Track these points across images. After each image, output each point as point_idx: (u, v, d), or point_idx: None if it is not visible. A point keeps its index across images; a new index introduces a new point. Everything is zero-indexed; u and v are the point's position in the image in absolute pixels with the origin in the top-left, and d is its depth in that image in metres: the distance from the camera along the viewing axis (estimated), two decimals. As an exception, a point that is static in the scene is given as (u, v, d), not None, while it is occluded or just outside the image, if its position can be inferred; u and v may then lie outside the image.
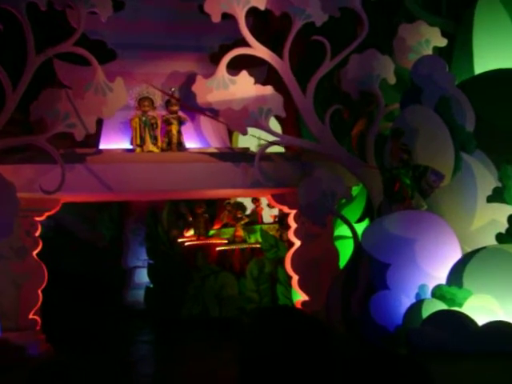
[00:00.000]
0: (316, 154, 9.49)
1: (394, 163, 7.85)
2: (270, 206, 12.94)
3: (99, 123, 9.66)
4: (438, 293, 6.88)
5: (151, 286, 14.91)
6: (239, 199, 13.89)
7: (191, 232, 14.36)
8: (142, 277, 15.94)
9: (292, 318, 2.02)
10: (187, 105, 9.30)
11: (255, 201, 13.82)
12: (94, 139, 10.04)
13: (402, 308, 7.02)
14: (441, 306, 6.78)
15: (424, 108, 8.13)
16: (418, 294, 7.06)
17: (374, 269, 7.42)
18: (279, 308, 2.37)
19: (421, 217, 7.48)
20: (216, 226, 14.21)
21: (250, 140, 10.09)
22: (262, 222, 13.64)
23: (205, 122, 10.26)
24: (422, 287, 7.06)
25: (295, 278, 10.12)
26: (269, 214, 13.75)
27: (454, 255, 7.26)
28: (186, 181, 9.36)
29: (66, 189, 8.77)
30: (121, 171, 9.20)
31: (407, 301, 7.06)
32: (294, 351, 1.94)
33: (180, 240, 14.44)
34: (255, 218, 13.82)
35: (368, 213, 10.05)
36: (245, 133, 9.09)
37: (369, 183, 9.04)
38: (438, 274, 7.13)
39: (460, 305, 6.76)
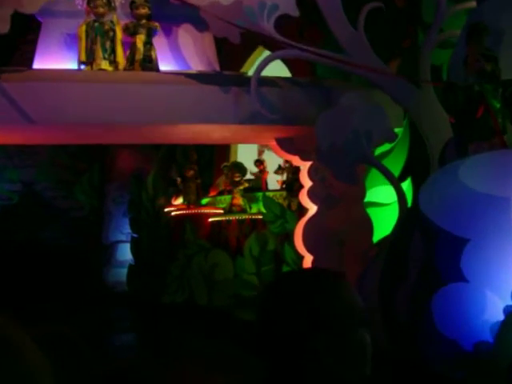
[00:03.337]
0: (343, 81, 7.56)
1: (472, 77, 5.56)
2: (277, 173, 12.09)
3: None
4: (561, 291, 5.05)
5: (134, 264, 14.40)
6: (238, 159, 12.93)
7: (180, 200, 13.44)
8: (126, 253, 15.26)
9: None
10: None
11: (259, 163, 12.72)
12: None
13: (490, 313, 5.26)
14: None
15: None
16: (517, 291, 5.19)
17: (439, 248, 5.65)
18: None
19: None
20: (211, 194, 13.33)
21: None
22: (267, 189, 12.49)
23: (185, 37, 8.16)
24: (525, 280, 5.21)
25: (308, 258, 8.58)
26: (276, 180, 12.57)
27: None
28: (149, 111, 7.17)
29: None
30: (53, 95, 6.92)
31: (498, 301, 5.28)
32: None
33: (167, 209, 13.63)
34: (258, 183, 12.72)
35: (410, 169, 8.16)
36: (236, 40, 7.24)
37: (422, 114, 6.91)
38: (554, 258, 5.24)
39: None
